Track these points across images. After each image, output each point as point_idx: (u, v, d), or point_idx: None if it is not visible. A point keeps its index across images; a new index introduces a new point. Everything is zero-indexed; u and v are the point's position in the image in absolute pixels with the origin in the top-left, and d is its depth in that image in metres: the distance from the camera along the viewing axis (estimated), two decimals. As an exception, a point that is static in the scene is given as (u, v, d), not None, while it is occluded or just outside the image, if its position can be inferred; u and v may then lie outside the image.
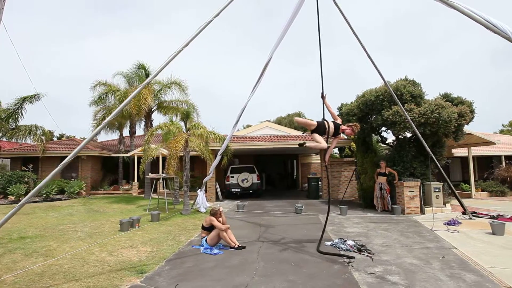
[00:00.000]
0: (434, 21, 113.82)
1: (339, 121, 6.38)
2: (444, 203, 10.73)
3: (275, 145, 14.39)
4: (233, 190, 15.52)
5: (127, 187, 18.91)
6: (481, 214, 9.48)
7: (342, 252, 5.89)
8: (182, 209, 10.34)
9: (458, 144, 15.14)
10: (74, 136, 27.91)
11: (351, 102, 12.35)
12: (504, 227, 7.12)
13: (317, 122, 6.31)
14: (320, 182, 15.59)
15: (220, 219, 6.59)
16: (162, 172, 12.13)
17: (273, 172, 24.23)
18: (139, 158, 15.89)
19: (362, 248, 5.96)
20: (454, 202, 11.78)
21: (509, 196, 15.41)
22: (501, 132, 38.45)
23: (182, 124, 12.16)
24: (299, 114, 46.69)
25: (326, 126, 6.25)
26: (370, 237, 7.03)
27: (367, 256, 5.65)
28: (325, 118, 6.60)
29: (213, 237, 6.31)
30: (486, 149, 17.64)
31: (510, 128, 41.26)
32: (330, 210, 6.94)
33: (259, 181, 15.80)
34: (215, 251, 6.03)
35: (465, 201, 12.26)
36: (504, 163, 17.58)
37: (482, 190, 15.81)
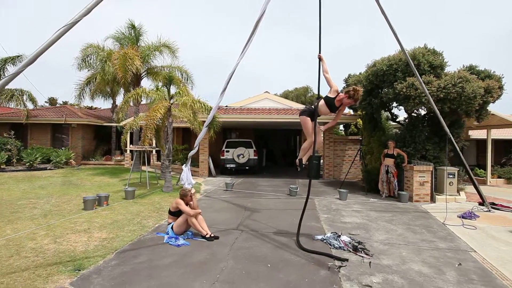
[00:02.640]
0: None
1: (333, 91, 5.00)
2: (458, 191, 9.50)
3: (274, 118, 13.11)
4: (227, 165, 14.47)
5: (119, 158, 18.08)
6: (501, 206, 8.25)
7: (333, 251, 4.80)
8: (164, 185, 9.34)
9: (477, 125, 13.66)
10: (68, 102, 26.87)
11: (360, 73, 10.86)
12: (533, 226, 5.91)
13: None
14: (322, 161, 14.41)
15: (191, 202, 5.51)
16: (137, 144, 11.09)
17: (275, 148, 23.07)
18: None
19: (358, 247, 4.86)
20: (469, 189, 10.52)
21: (529, 184, 14.05)
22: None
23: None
24: (306, 89, 44.77)
25: (314, 106, 5.11)
26: (370, 231, 5.92)
27: (364, 257, 4.56)
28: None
29: (180, 224, 5.28)
30: (505, 132, 16.07)
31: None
32: (328, 193, 5.82)
33: (256, 157, 14.69)
34: (180, 241, 5.01)
35: (471, 188, 11.02)
36: (525, 147, 16.07)
37: (498, 177, 14.44)
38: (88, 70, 15.13)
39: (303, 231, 5.71)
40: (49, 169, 13.91)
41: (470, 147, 17.31)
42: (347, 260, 4.39)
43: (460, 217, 7.08)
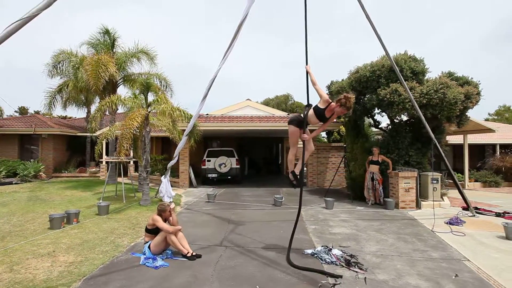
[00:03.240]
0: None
1: (323, 101, 4.73)
2: (441, 196, 9.50)
3: (256, 126, 12.81)
4: (209, 175, 13.97)
5: (94, 169, 17.14)
6: (484, 210, 8.28)
7: (325, 267, 4.48)
8: (141, 199, 8.75)
9: (454, 131, 13.96)
10: (39, 112, 25.48)
11: (342, 80, 10.80)
12: (521, 231, 5.86)
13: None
14: (305, 169, 14.19)
15: (171, 218, 5.05)
16: (113, 155, 10.46)
17: (257, 157, 22.74)
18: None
19: (351, 261, 4.56)
20: (451, 194, 10.62)
21: (503, 187, 14.45)
22: (486, 120, 37.82)
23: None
24: (287, 97, 44.99)
25: (303, 116, 4.88)
26: (360, 242, 5.66)
27: (358, 272, 4.26)
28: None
29: (159, 243, 4.80)
30: (479, 137, 16.55)
31: (496, 117, 40.78)
32: (314, 202, 5.56)
33: (238, 166, 14.29)
34: (159, 262, 4.52)
35: (456, 192, 11.12)
36: (498, 152, 16.60)
37: (475, 181, 14.78)
38: (61, 78, 14.31)
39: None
40: (15, 183, 12.88)
41: (447, 152, 17.75)
42: (341, 277, 4.07)
43: (447, 223, 6.99)
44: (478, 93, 9.26)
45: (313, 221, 7.17)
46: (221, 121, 13.27)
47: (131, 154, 11.82)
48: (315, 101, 5.15)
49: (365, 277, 4.10)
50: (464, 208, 8.38)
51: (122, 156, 7.51)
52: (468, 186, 14.28)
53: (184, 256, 4.73)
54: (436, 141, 7.50)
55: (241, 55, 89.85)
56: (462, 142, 14.75)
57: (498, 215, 7.84)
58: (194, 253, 4.78)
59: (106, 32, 13.05)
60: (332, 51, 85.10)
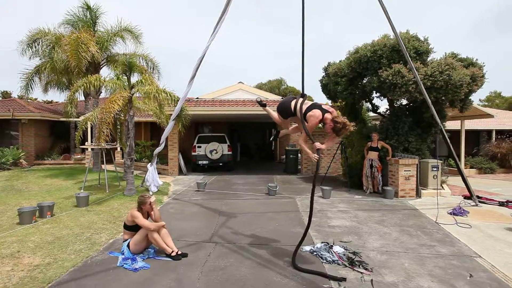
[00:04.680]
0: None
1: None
2: (441, 184, 9.12)
3: (249, 111, 12.17)
4: (199, 162, 13.38)
5: (79, 156, 16.37)
6: (486, 199, 7.92)
7: (326, 266, 4.00)
8: (126, 188, 8.15)
9: (452, 116, 13.55)
10: (23, 97, 24.19)
11: (340, 61, 10.15)
12: (531, 223, 5.48)
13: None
14: (299, 155, 13.71)
15: (153, 213, 4.48)
16: (91, 141, 9.76)
17: (250, 142, 22.16)
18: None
19: (355, 260, 4.10)
20: (451, 181, 10.29)
21: (498, 173, 14.23)
22: (478, 106, 37.68)
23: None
24: (280, 81, 44.12)
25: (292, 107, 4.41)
26: (362, 236, 5.20)
27: (363, 273, 3.80)
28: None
29: (139, 241, 4.24)
30: (476, 123, 16.22)
31: (486, 103, 40.77)
32: (310, 191, 5.18)
33: (230, 153, 13.71)
34: (139, 264, 3.98)
35: (455, 180, 10.82)
36: (494, 138, 16.35)
37: (471, 167, 14.52)
38: (40, 59, 13.29)
39: (287, 240, 4.90)
40: (-7, 171, 12.10)
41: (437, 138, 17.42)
42: (344, 279, 3.60)
43: (451, 214, 6.60)
44: (483, 76, 8.76)
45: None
46: (212, 105, 12.58)
47: (117, 141, 11.11)
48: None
49: (372, 279, 3.63)
50: (465, 197, 8.02)
51: (102, 142, 6.84)
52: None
53: (168, 255, 4.19)
54: (442, 126, 7.03)
55: (234, 39, 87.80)
56: (459, 128, 14.34)
57: (501, 204, 7.49)
58: (179, 252, 4.25)
59: (88, 7, 12.03)
60: (327, 37, 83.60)
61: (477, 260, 4.30)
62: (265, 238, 5.07)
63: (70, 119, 16.60)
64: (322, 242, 4.64)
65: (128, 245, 4.23)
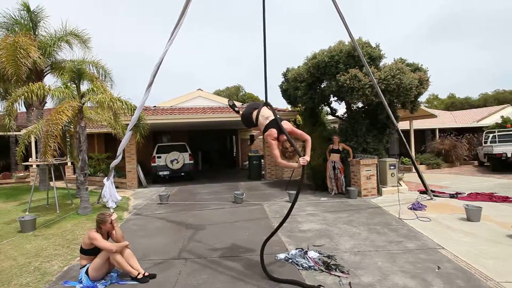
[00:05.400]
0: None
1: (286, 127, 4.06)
2: (398, 181, 9.64)
3: (210, 118, 11.90)
4: (160, 173, 12.75)
5: (22, 174, 14.74)
6: (439, 192, 8.52)
7: (303, 273, 3.92)
8: (80, 206, 7.42)
9: (401, 118, 14.55)
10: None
11: (299, 66, 10.36)
12: (481, 213, 5.95)
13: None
14: (262, 160, 13.69)
15: (114, 232, 4.06)
16: (36, 157, 8.86)
17: (211, 150, 21.73)
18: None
19: (331, 264, 4.07)
20: (406, 178, 10.94)
21: (443, 168, 15.52)
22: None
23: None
24: (238, 88, 44.27)
25: (253, 117, 4.29)
26: (334, 238, 5.23)
27: (340, 276, 3.77)
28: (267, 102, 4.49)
29: (99, 266, 3.80)
30: (421, 123, 17.59)
31: (426, 105, 44.72)
32: (276, 196, 5.07)
33: (192, 162, 13.26)
34: (100, 292, 3.55)
35: (409, 176, 11.56)
36: (437, 136, 17.84)
37: (420, 163, 15.64)
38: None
39: (259, 250, 4.74)
40: None
41: (394, 139, 18.63)
42: (323, 287, 3.53)
43: (411, 209, 6.95)
44: (428, 79, 9.47)
45: (279, 218, 6.52)
46: (170, 113, 12.11)
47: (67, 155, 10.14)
48: (269, 97, 4.59)
49: (350, 282, 3.62)
50: (421, 192, 8.54)
51: (50, 158, 6.14)
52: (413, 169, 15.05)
53: (134, 278, 3.81)
54: (398, 127, 7.46)
55: (192, 47, 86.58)
56: (408, 128, 15.40)
57: (452, 196, 8.11)
58: (146, 273, 3.88)
59: (27, 9, 10.93)
60: (280, 42, 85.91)
61: (440, 251, 4.52)
62: (237, 249, 4.87)
63: (9, 133, 14.94)
64: (296, 248, 4.56)
65: (86, 272, 3.76)
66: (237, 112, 5.06)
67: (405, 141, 7.90)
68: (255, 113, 4.27)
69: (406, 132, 16.18)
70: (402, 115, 12.80)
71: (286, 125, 4.07)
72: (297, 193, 4.02)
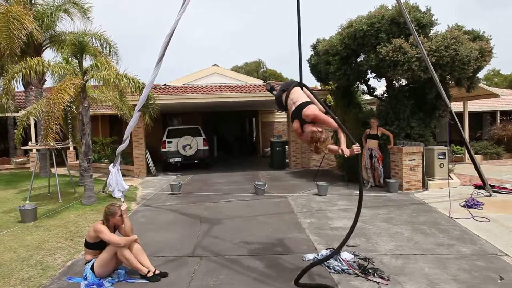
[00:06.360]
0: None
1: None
2: (448, 173, 9.29)
3: (227, 97, 11.87)
4: (171, 160, 12.98)
5: (21, 159, 15.45)
6: (500, 188, 8.12)
7: (335, 277, 3.86)
8: (83, 196, 7.68)
9: (454, 97, 13.90)
10: None
11: (331, 37, 10.03)
12: (554, 212, 5.62)
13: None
14: (287, 147, 13.60)
15: (123, 225, 4.14)
16: (36, 141, 9.19)
17: (228, 134, 21.84)
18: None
19: (367, 267, 3.98)
20: (458, 170, 10.55)
21: (505, 158, 14.79)
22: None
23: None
24: (259, 63, 43.85)
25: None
26: (371, 237, 5.13)
27: (380, 282, 3.68)
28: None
29: (106, 262, 3.90)
30: (478, 104, 16.73)
31: (484, 82, 42.40)
32: (302, 188, 4.97)
33: (207, 147, 13.39)
34: (107, 290, 3.66)
35: (461, 168, 11.13)
36: (499, 120, 16.97)
37: (476, 153, 14.96)
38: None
39: (283, 249, 4.74)
40: None
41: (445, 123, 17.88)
42: (360, 293, 3.46)
43: (464, 206, 6.68)
44: (491, 50, 8.91)
45: (306, 213, 6.57)
46: (182, 92, 12.15)
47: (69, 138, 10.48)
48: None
49: (391, 290, 3.52)
50: (476, 187, 8.19)
51: (51, 141, 6.34)
52: (467, 159, 14.45)
53: (144, 276, 3.89)
54: (451, 109, 7.07)
55: (206, 19, 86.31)
56: (462, 110, 14.71)
57: (517, 193, 7.71)
58: (157, 271, 3.96)
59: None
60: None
61: (503, 258, 4.31)
62: (258, 247, 4.87)
63: (7, 114, 15.58)
64: (327, 249, 4.50)
65: (92, 268, 3.88)
66: (271, 90, 4.93)
67: (459, 125, 7.52)
68: (284, 96, 4.13)
69: (460, 115, 15.41)
70: (455, 94, 12.25)
71: (310, 110, 3.72)
72: (360, 189, 3.99)
